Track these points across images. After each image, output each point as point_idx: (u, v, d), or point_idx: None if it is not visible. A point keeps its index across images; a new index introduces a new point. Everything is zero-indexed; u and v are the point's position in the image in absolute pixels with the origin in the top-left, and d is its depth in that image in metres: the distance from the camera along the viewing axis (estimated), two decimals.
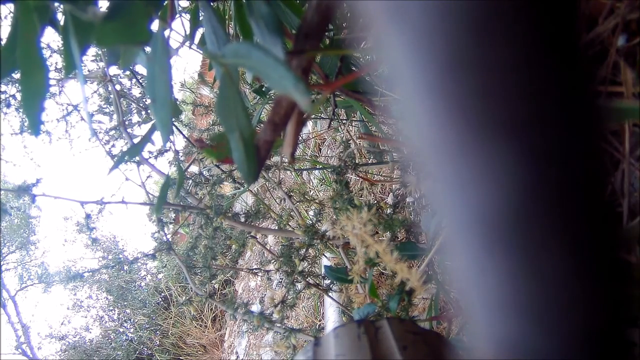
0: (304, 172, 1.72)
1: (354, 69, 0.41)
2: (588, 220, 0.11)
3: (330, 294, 0.69)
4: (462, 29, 0.10)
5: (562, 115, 0.10)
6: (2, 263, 3.52)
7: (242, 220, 0.81)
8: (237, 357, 2.27)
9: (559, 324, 0.11)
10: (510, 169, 0.10)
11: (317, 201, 0.96)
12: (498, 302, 0.11)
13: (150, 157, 0.91)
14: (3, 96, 1.16)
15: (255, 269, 1.17)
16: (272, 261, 0.89)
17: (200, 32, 0.40)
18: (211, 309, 2.73)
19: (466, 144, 0.10)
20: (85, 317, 3.42)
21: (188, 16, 0.49)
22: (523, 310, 0.11)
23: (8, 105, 1.18)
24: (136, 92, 1.11)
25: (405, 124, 0.12)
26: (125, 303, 3.20)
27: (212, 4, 0.30)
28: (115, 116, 0.95)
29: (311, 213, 0.93)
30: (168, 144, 0.91)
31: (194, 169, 0.92)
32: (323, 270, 0.67)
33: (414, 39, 0.10)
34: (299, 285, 0.65)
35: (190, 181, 0.88)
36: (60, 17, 0.25)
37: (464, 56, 0.10)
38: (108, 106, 1.12)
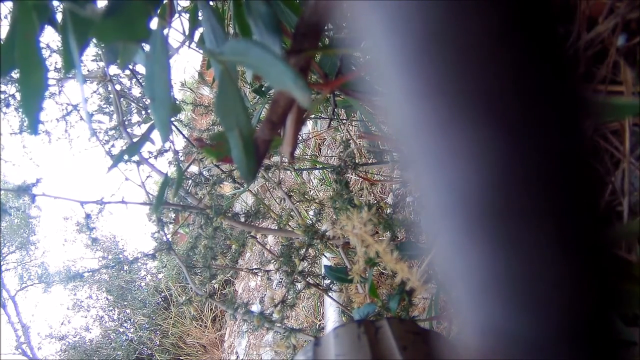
0: (304, 172, 1.72)
1: (353, 68, 0.41)
2: (572, 198, 0.11)
3: (330, 294, 0.69)
4: (437, 7, 0.10)
5: (540, 89, 0.10)
6: (2, 263, 3.52)
7: (242, 220, 0.81)
8: (237, 357, 2.27)
9: (544, 310, 0.11)
10: (488, 146, 0.10)
11: (317, 201, 0.96)
12: (480, 285, 0.11)
13: (149, 157, 0.91)
14: (2, 96, 1.16)
15: (255, 269, 1.17)
16: (272, 261, 0.89)
17: (199, 31, 0.40)
18: (211, 309, 2.73)
19: (445, 120, 0.10)
20: (85, 317, 3.42)
21: (187, 15, 0.49)
22: (506, 294, 0.11)
23: (7, 105, 1.18)
24: (136, 91, 1.11)
25: (386, 106, 0.12)
26: (125, 303, 3.20)
27: (211, 3, 0.30)
28: (115, 116, 0.95)
29: (311, 213, 0.93)
30: (168, 144, 0.91)
31: (193, 168, 0.92)
32: (323, 270, 0.67)
33: (392, 14, 0.10)
34: (299, 285, 0.65)
35: (190, 181, 0.88)
36: (60, 16, 0.25)
37: (440, 32, 0.10)
38: (108, 106, 1.12)
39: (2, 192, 0.86)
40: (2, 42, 0.24)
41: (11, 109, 1.20)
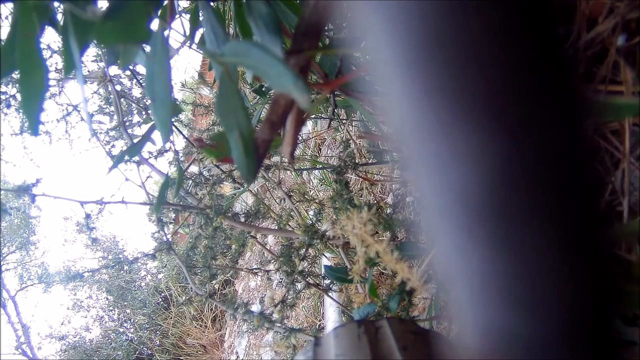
0: (304, 172, 1.72)
1: (353, 68, 0.41)
2: (572, 198, 0.11)
3: (330, 294, 0.69)
4: (438, 6, 0.10)
5: (540, 89, 0.10)
6: (2, 263, 3.52)
7: (242, 220, 0.81)
8: (237, 357, 2.27)
9: (544, 310, 0.11)
10: (488, 146, 0.10)
11: (317, 201, 0.96)
12: (480, 285, 0.11)
13: (150, 157, 0.91)
14: (3, 97, 1.16)
15: (255, 269, 1.17)
16: (272, 261, 0.89)
17: (200, 32, 0.40)
18: (211, 309, 2.73)
19: (445, 120, 0.10)
20: (85, 317, 3.42)
21: (188, 16, 0.49)
22: (506, 294, 0.11)
23: (8, 106, 1.18)
24: (136, 92, 1.11)
25: (386, 106, 0.12)
26: (125, 303, 3.20)
27: (211, 3, 0.30)
28: (115, 116, 0.95)
29: (311, 213, 0.93)
30: (168, 144, 0.91)
31: (193, 169, 0.92)
32: (323, 270, 0.67)
33: (392, 14, 0.10)
34: (299, 285, 0.65)
35: (190, 181, 0.88)
36: (60, 17, 0.25)
37: (440, 33, 0.10)
38: (108, 106, 1.12)
39: (2, 192, 0.86)
40: (2, 43, 0.24)
41: (12, 110, 1.20)
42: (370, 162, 1.05)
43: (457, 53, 0.10)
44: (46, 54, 1.10)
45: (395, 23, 0.10)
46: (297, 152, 1.67)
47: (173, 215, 0.98)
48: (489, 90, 0.10)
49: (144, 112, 1.03)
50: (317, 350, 0.30)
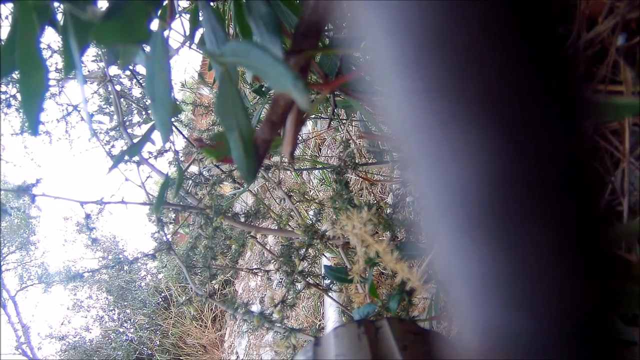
0: (304, 172, 1.72)
1: (353, 68, 0.41)
2: (572, 198, 0.11)
3: (330, 294, 0.69)
4: (437, 7, 0.10)
5: (539, 89, 0.10)
6: (2, 263, 3.52)
7: (242, 220, 0.81)
8: (237, 357, 2.27)
9: (543, 309, 0.11)
10: (488, 146, 0.10)
11: (317, 201, 0.96)
12: (480, 285, 0.11)
13: (150, 157, 0.91)
14: (3, 96, 1.16)
15: (255, 269, 1.17)
16: (272, 261, 0.89)
17: (200, 32, 0.40)
18: (211, 309, 2.73)
19: (444, 120, 0.10)
20: (85, 317, 3.42)
21: (188, 16, 0.49)
22: (506, 294, 0.11)
23: (8, 106, 1.18)
24: (136, 92, 1.11)
25: (386, 106, 0.12)
26: (125, 303, 3.20)
27: (211, 3, 0.30)
28: (115, 116, 0.95)
29: (311, 213, 0.93)
30: (168, 144, 0.91)
31: (193, 169, 0.92)
32: (323, 270, 0.67)
33: (392, 14, 0.10)
34: (299, 285, 0.65)
35: (190, 181, 0.88)
36: (60, 17, 0.25)
37: (440, 32, 0.10)
38: (108, 106, 1.12)
39: (2, 192, 0.86)
40: (2, 43, 0.24)
41: (12, 110, 1.21)
42: (370, 162, 1.05)
43: (457, 53, 0.10)
44: (46, 54, 1.10)
45: (395, 23, 0.10)
46: (297, 152, 1.67)
47: (173, 215, 0.98)
48: (488, 90, 0.10)
49: (144, 112, 1.03)
50: (317, 350, 0.30)
